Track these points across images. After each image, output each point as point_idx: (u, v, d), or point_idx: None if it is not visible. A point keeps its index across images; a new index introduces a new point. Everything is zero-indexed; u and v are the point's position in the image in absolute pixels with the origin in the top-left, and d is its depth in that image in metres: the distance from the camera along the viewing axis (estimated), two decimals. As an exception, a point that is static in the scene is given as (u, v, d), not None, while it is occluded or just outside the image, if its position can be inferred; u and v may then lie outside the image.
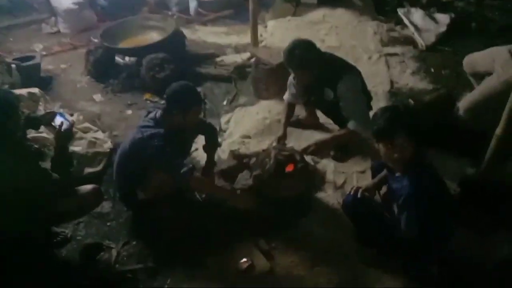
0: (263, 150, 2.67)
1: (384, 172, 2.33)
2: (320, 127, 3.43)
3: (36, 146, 2.58)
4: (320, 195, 2.84)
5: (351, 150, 3.17)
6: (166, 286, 2.36)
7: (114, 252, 2.56)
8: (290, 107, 3.17)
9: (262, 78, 3.82)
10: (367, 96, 2.96)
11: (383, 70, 4.19)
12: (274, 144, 3.03)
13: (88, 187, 2.51)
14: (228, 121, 3.65)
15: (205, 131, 2.85)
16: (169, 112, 2.46)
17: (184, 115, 2.44)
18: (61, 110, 3.20)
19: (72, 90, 4.27)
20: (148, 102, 4.04)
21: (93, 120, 3.78)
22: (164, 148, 2.37)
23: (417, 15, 5.08)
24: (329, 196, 2.83)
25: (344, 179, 2.96)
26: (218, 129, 3.55)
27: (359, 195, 2.26)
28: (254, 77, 3.92)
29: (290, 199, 2.57)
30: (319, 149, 2.87)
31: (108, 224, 2.79)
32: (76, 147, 3.22)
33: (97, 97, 4.16)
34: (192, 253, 2.49)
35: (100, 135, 3.55)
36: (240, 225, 2.62)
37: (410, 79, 4.10)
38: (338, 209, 2.73)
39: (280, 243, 2.54)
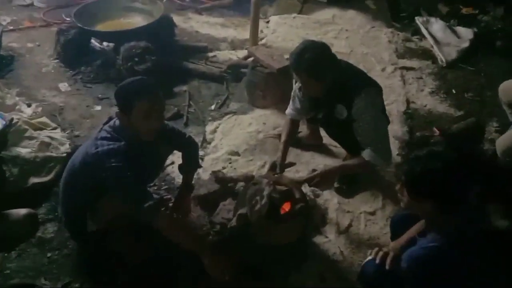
0: (253, 182, 2.08)
1: (418, 226, 1.77)
2: (322, 148, 2.88)
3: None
4: (319, 239, 2.28)
5: (359, 183, 2.61)
6: None
7: (48, 298, 1.97)
8: (293, 125, 2.59)
9: (259, 83, 3.24)
10: (387, 120, 2.40)
11: (399, 85, 3.64)
12: (266, 170, 2.45)
13: (20, 212, 1.91)
14: (214, 131, 3.06)
15: (182, 146, 2.26)
16: (119, 116, 1.89)
17: (128, 115, 1.83)
18: None
19: (35, 74, 3.64)
20: (123, 97, 3.42)
21: (53, 115, 3.17)
22: (124, 171, 1.79)
23: (437, 26, 4.54)
24: (330, 242, 2.27)
25: (350, 220, 2.40)
26: (202, 139, 2.97)
27: (387, 266, 1.68)
28: (249, 81, 3.34)
29: (282, 246, 2.01)
30: (324, 181, 2.28)
31: (49, 255, 2.18)
32: (23, 149, 2.60)
33: (63, 86, 3.53)
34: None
35: (57, 134, 2.93)
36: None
37: (428, 99, 3.56)
38: (340, 261, 2.18)
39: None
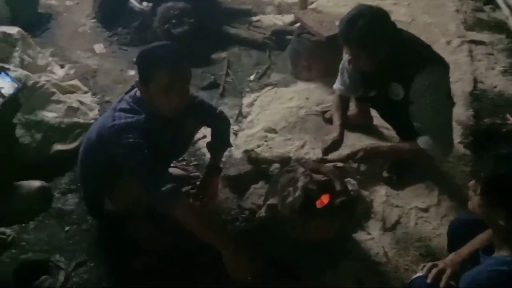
0: (287, 169, 1.80)
1: (484, 237, 1.44)
2: (372, 130, 2.54)
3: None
4: (361, 236, 2.00)
5: (412, 174, 2.28)
6: None
7: (61, 276, 1.83)
8: (343, 102, 2.27)
9: (305, 53, 2.91)
10: (451, 104, 2.04)
11: (465, 62, 3.17)
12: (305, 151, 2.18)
13: (32, 185, 1.75)
14: (251, 104, 2.80)
15: (212, 123, 2.02)
16: (138, 86, 1.66)
17: (147, 87, 1.60)
18: (9, 67, 2.39)
19: (71, 34, 3.50)
20: (158, 62, 3.21)
21: (85, 78, 3.02)
22: (141, 148, 1.57)
23: (515, -6, 3.95)
24: (373, 241, 1.98)
25: (398, 216, 2.09)
26: (237, 112, 2.72)
27: (442, 286, 1.38)
28: (294, 49, 3.01)
29: (317, 243, 1.75)
30: (369, 157, 2.03)
31: (67, 229, 2.05)
32: (50, 113, 2.46)
33: (99, 47, 3.37)
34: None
35: (87, 98, 2.79)
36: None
37: (499, 79, 3.08)
38: (382, 263, 1.90)
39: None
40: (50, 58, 3.07)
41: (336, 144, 2.12)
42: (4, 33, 2.67)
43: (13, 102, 1.69)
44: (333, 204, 1.68)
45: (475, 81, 3.01)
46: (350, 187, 2.05)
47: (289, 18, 3.60)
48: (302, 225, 1.67)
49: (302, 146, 2.44)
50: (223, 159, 2.31)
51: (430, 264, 1.43)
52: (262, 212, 1.72)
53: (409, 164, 2.26)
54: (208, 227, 1.61)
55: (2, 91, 1.95)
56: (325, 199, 1.73)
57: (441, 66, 1.95)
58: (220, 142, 2.03)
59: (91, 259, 1.92)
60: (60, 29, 3.54)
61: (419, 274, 1.46)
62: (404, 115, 1.99)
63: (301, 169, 1.68)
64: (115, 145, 1.60)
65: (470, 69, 3.11)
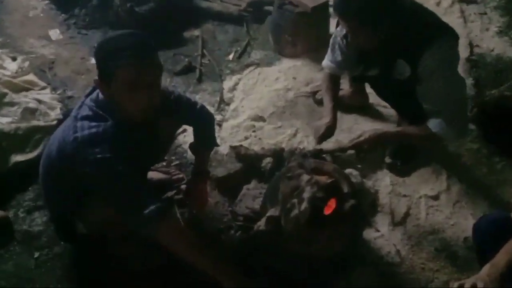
0: (287, 176, 1.54)
1: None
2: (369, 110, 2.32)
3: None
4: (369, 233, 1.80)
5: (417, 157, 2.08)
6: None
7: (35, 315, 1.59)
8: (333, 82, 2.01)
9: (288, 26, 2.61)
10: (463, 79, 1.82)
11: (458, 24, 2.92)
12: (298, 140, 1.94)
13: None
14: (233, 88, 2.51)
15: (192, 121, 1.75)
16: (98, 85, 1.38)
17: (108, 86, 1.32)
18: None
19: (21, 20, 3.08)
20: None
21: (42, 70, 2.66)
22: (112, 164, 1.30)
23: None
24: (383, 238, 1.79)
25: (407, 207, 1.91)
26: (219, 100, 2.45)
27: None
28: (276, 23, 2.71)
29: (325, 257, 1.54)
30: (376, 145, 1.82)
31: (36, 255, 1.77)
32: (3, 119, 2.13)
33: (54, 33, 2.98)
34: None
35: (46, 95, 2.44)
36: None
37: (496, 41, 2.87)
38: (396, 263, 1.72)
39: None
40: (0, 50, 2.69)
41: (330, 130, 1.89)
42: None
43: None
44: (342, 211, 1.45)
45: (471, 45, 2.80)
46: (353, 179, 1.85)
47: (265, -14, 3.27)
48: (308, 239, 1.45)
49: (295, 135, 2.20)
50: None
51: (463, 282, 1.23)
52: (261, 225, 1.48)
53: (414, 147, 2.06)
54: (201, 253, 1.37)
55: None
56: (332, 204, 1.51)
57: (451, 37, 1.71)
58: (205, 142, 1.77)
59: (67, 289, 1.68)
60: (9, 14, 3.10)
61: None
62: (410, 96, 1.76)
63: (305, 177, 1.44)
64: (80, 163, 1.32)
65: (464, 32, 2.88)
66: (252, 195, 1.90)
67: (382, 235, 1.81)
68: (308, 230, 1.41)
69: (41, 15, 3.14)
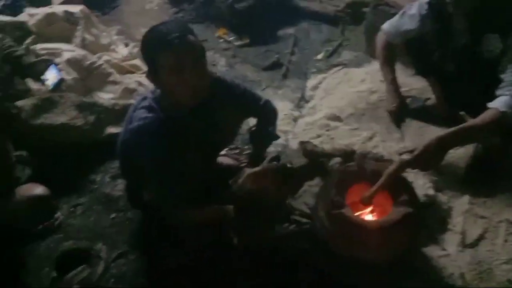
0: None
1: None
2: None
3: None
4: (433, 251, 1.66)
5: (505, 174, 1.85)
6: None
7: (100, 267, 1.77)
8: (390, 50, 1.96)
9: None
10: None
11: None
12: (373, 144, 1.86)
13: (32, 191, 1.66)
14: (316, 87, 2.50)
15: (256, 112, 1.79)
16: (149, 79, 1.47)
17: (156, 77, 1.40)
18: (57, 60, 2.30)
19: (138, 11, 3.45)
20: (221, 40, 3.04)
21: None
22: (155, 155, 1.44)
23: None
24: (449, 258, 1.63)
25: (482, 230, 1.71)
26: (299, 97, 2.46)
27: None
28: (370, 24, 2.64)
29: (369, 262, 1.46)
30: (437, 152, 1.49)
31: (112, 216, 1.99)
32: (105, 95, 2.42)
33: (163, 25, 3.27)
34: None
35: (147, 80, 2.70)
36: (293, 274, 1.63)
37: None
38: (458, 287, 1.56)
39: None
40: (115, 37, 3.04)
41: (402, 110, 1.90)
42: (66, 12, 2.66)
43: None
44: (395, 216, 1.37)
45: None
46: (424, 192, 1.73)
47: (368, -13, 3.19)
48: (355, 243, 1.39)
49: (371, 138, 2.11)
50: (279, 149, 2.11)
51: None
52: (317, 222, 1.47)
53: (499, 160, 1.84)
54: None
55: (46, 82, 1.95)
56: (386, 207, 1.43)
57: None
58: (265, 135, 1.80)
59: (131, 251, 1.84)
60: (129, 6, 3.50)
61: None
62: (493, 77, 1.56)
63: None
64: (132, 150, 1.50)
65: None
66: (312, 192, 1.88)
67: (448, 255, 1.65)
68: (354, 231, 1.36)
69: (155, 8, 3.48)
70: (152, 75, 1.42)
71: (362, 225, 1.36)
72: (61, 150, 2.11)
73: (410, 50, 2.06)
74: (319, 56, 2.77)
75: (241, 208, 1.50)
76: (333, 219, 1.41)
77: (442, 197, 1.82)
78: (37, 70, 2.05)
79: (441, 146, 1.47)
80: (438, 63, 1.80)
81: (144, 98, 1.53)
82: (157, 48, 1.35)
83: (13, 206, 1.54)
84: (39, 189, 1.63)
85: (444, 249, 1.67)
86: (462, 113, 2.09)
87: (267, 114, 1.77)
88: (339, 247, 1.42)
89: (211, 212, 1.58)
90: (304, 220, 1.77)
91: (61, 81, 2.11)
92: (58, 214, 1.97)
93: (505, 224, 1.72)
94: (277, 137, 1.88)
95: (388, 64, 1.91)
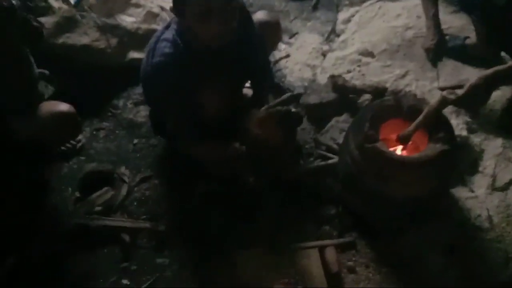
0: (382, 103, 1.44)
1: None
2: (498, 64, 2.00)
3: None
4: (461, 192, 1.63)
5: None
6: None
7: (124, 189, 1.78)
8: None
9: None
10: None
11: None
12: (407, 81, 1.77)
13: (57, 107, 1.59)
14: (348, 20, 2.37)
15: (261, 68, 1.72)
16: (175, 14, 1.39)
17: (182, 17, 1.33)
18: None
19: None
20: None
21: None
22: (175, 92, 1.41)
23: None
24: (476, 200, 1.61)
25: (515, 174, 1.68)
26: (330, 30, 2.34)
27: None
28: (410, -46, 2.43)
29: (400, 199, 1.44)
30: (485, 88, 1.50)
31: (135, 142, 1.98)
32: (127, 18, 2.32)
33: None
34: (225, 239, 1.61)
35: (169, 4, 2.55)
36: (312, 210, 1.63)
37: None
38: (484, 229, 1.55)
39: (368, 260, 1.51)
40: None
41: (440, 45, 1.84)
42: None
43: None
44: (430, 153, 1.32)
45: None
46: (456, 132, 1.66)
47: None
48: (386, 179, 1.35)
49: (403, 76, 2.01)
50: (306, 84, 2.04)
51: None
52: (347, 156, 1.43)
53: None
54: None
55: None
56: (420, 142, 1.38)
57: None
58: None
59: (155, 175, 1.85)
60: None
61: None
62: None
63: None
64: (153, 84, 1.48)
65: None
66: (340, 128, 1.84)
67: (476, 197, 1.62)
68: (388, 166, 1.32)
69: None
70: (177, 11, 1.34)
71: (398, 160, 1.31)
72: (83, 72, 2.06)
73: None
74: (353, -13, 2.59)
75: (252, 149, 1.46)
76: (365, 153, 1.36)
77: (475, 139, 1.76)
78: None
79: (488, 84, 1.39)
80: None
81: (168, 27, 1.45)
82: None
83: (37, 122, 1.51)
84: (63, 106, 1.59)
85: (472, 191, 1.64)
86: (502, 54, 1.99)
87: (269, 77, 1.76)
88: (370, 182, 1.38)
89: (224, 148, 1.56)
90: (330, 155, 1.74)
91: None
92: (80, 136, 1.96)
93: (538, 169, 1.68)
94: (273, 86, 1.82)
95: (436, 6, 1.78)
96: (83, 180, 1.79)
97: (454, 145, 1.39)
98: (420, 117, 1.36)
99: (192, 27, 1.34)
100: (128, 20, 2.31)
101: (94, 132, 2.01)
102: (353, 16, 2.38)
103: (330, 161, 1.69)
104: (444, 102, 1.39)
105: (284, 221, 1.61)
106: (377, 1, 2.42)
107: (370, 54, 2.13)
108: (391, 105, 1.45)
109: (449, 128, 1.40)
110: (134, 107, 2.11)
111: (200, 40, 1.37)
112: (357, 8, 2.43)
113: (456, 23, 2.16)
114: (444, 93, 1.40)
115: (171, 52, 1.38)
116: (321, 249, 1.50)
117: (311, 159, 1.78)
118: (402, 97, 1.49)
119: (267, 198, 1.64)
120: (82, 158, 1.91)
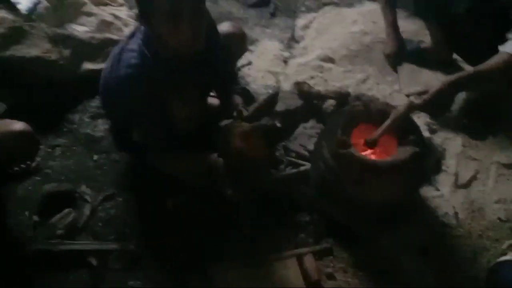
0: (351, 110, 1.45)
1: None
2: (452, 66, 2.10)
3: None
4: (428, 191, 1.69)
5: (499, 121, 1.88)
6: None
7: (87, 209, 1.67)
8: None
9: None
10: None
11: None
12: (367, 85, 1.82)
13: (10, 126, 1.47)
14: (306, 26, 2.40)
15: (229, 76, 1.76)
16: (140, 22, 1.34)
17: (149, 22, 1.26)
18: None
19: None
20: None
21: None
22: (143, 104, 1.35)
23: None
24: (442, 198, 1.67)
25: (475, 172, 1.75)
26: (289, 37, 2.35)
27: None
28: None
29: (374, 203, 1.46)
30: (451, 93, 1.48)
31: (95, 158, 1.87)
32: (80, 27, 2.20)
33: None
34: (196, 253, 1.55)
35: (123, 12, 2.48)
36: (287, 219, 1.61)
37: None
38: (452, 226, 1.61)
39: (346, 265, 1.51)
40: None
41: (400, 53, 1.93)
42: None
43: None
44: (402, 156, 1.35)
45: None
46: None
47: None
48: (362, 184, 1.36)
49: (364, 80, 2.07)
50: (269, 91, 2.03)
51: None
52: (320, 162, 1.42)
53: (495, 106, 1.86)
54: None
55: (19, 6, 1.77)
56: (390, 147, 1.41)
57: None
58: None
59: (119, 193, 1.75)
60: None
61: (506, 258, 1.16)
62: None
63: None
64: (118, 96, 1.39)
65: None
66: (308, 134, 1.84)
67: (442, 195, 1.68)
68: (362, 170, 1.33)
69: None
70: (144, 19, 1.27)
71: (372, 164, 1.33)
72: (34, 86, 1.93)
73: None
74: (308, -6, 2.63)
75: (230, 162, 1.41)
76: (340, 159, 1.37)
77: (437, 139, 1.83)
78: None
79: (451, 90, 1.44)
80: (447, 3, 1.73)
81: (132, 37, 1.38)
82: None
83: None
84: (18, 125, 1.46)
85: (437, 190, 1.70)
86: (454, 56, 2.09)
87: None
88: (344, 187, 1.38)
89: (200, 161, 1.48)
90: (301, 162, 1.73)
91: (37, 3, 1.89)
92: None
93: (495, 166, 1.77)
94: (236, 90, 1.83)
95: (389, 5, 1.84)
96: (41, 202, 1.66)
97: (424, 147, 1.43)
98: (387, 122, 1.39)
99: (160, 34, 1.28)
100: (80, 29, 2.19)
101: (50, 150, 1.87)
102: (311, 22, 2.41)
103: (301, 168, 1.69)
104: (411, 107, 1.42)
105: (259, 232, 1.58)
106: (334, 7, 2.48)
107: (331, 60, 2.17)
108: (360, 110, 1.47)
109: (417, 130, 1.44)
110: (91, 121, 2.00)
111: (169, 48, 1.31)
112: (314, 14, 2.47)
113: (411, 28, 2.25)
114: (412, 98, 1.44)
115: (138, 63, 1.31)
116: (299, 258, 1.49)
117: (282, 166, 1.76)
118: (370, 102, 1.51)
119: (241, 209, 1.60)
120: (38, 178, 1.77)
